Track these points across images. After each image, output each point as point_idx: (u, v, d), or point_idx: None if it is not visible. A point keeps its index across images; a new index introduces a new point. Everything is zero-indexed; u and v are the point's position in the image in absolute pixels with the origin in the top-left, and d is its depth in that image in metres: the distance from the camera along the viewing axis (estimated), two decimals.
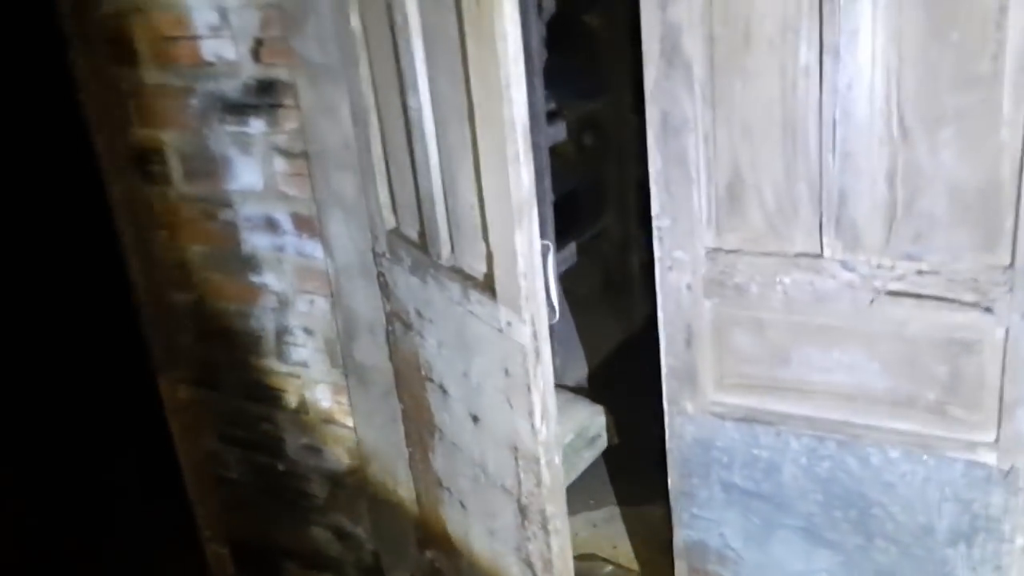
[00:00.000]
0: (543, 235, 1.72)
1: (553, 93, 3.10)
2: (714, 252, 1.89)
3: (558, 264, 3.20)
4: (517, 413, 1.82)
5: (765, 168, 1.78)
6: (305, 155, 2.37)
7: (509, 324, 1.75)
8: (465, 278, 1.89)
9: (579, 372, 3.44)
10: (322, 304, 2.55)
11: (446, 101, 1.78)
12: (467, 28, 1.59)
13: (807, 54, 1.67)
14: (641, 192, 3.73)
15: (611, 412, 3.35)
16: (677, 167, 1.85)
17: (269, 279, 2.61)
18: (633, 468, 3.29)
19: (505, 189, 1.63)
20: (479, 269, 1.85)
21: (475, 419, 2.03)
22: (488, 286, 1.81)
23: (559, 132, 3.04)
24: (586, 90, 3.38)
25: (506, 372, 1.82)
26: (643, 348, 3.88)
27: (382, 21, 1.93)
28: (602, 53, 3.33)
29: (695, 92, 1.78)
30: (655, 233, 1.93)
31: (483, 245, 1.80)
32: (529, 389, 1.75)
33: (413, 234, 2.12)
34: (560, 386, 3.34)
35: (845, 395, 1.85)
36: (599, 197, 3.60)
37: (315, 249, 2.48)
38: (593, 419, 3.16)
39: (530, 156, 1.62)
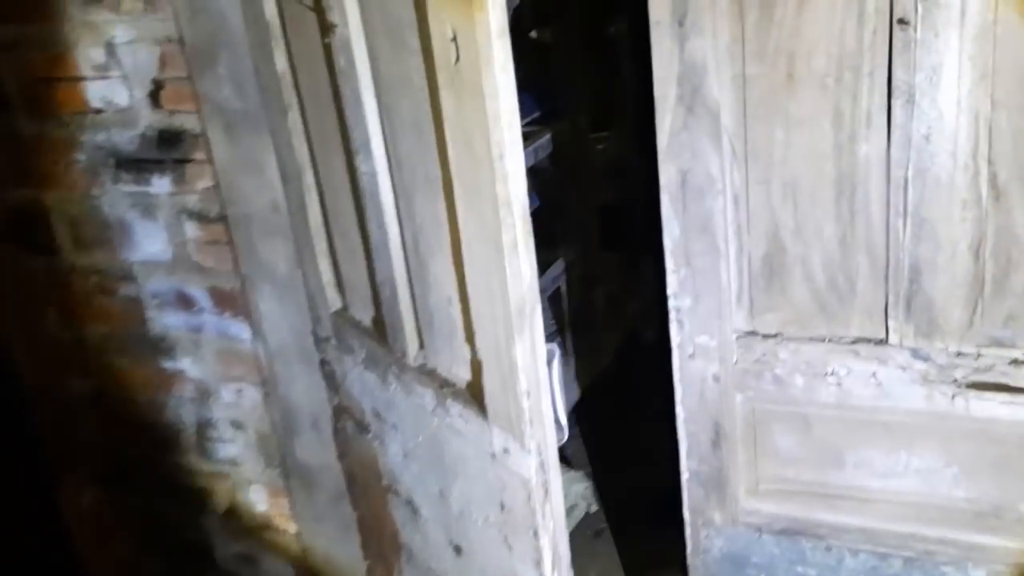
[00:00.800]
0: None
1: None
2: (747, 337, 1.53)
3: (546, 287, 2.83)
4: (518, 557, 1.44)
5: (813, 236, 1.43)
6: (223, 219, 1.94)
7: (506, 451, 1.36)
8: (441, 384, 1.50)
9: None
10: (252, 394, 2.12)
11: (410, 168, 1.38)
12: (441, 79, 1.20)
13: (871, 97, 1.32)
14: (603, 221, 3.40)
15: (587, 469, 3.01)
16: (700, 236, 1.48)
17: (185, 364, 2.17)
18: (617, 531, 2.94)
19: (499, 285, 1.24)
20: (460, 375, 1.46)
21: (457, 549, 1.64)
22: (474, 398, 1.42)
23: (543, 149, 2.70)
24: (541, 112, 3.01)
25: (502, 506, 1.43)
26: (615, 388, 3.54)
27: (318, 62, 1.52)
28: (558, 72, 2.96)
29: (723, 145, 1.42)
30: (672, 315, 1.56)
31: (466, 349, 1.41)
32: (536, 533, 1.37)
33: (367, 319, 1.72)
34: None
35: (914, 504, 1.52)
36: (558, 226, 3.23)
37: (241, 330, 2.05)
38: (570, 487, 2.80)
39: (531, 242, 1.24)
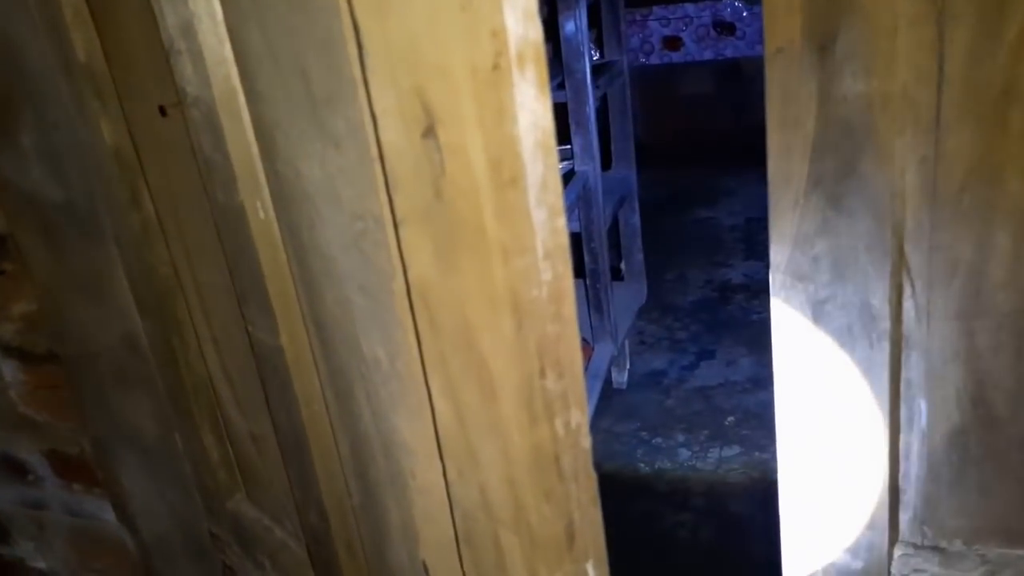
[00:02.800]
0: None
1: None
2: (916, 555, 0.94)
3: None
4: None
5: None
6: (55, 358, 1.28)
7: None
8: None
9: None
10: None
11: (345, 345, 0.75)
12: (402, 205, 0.57)
13: None
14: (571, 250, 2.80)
15: None
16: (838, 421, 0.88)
17: (26, 551, 1.50)
18: None
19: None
20: None
21: None
22: None
23: None
24: None
25: None
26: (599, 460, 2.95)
27: (173, 137, 0.87)
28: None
29: (890, 260, 0.82)
30: (788, 524, 0.96)
31: None
32: None
33: (284, 533, 1.08)
34: None
35: None
36: None
37: (101, 508, 1.40)
38: None
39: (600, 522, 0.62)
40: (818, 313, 0.85)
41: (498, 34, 0.46)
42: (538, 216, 0.50)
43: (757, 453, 2.87)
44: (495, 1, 0.45)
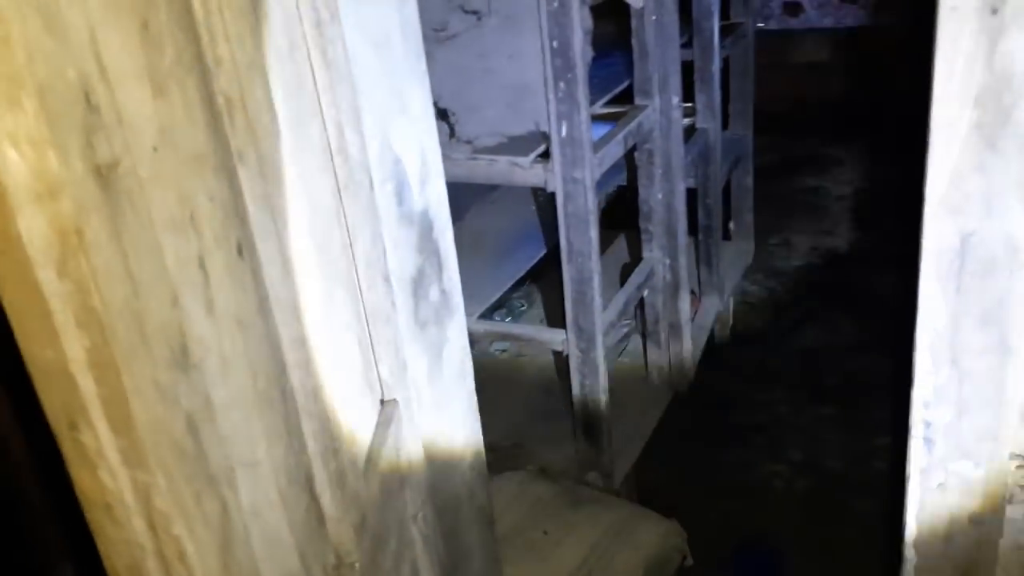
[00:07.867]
0: None
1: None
2: None
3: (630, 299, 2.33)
4: None
5: None
6: None
7: None
8: None
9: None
10: None
11: None
12: None
13: None
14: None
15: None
16: (980, 328, 1.00)
17: None
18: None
19: None
20: None
21: None
22: None
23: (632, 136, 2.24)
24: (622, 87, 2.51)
25: None
26: (700, 404, 3.08)
27: None
28: (644, 38, 2.44)
29: None
30: (917, 430, 1.08)
31: None
32: None
33: None
34: (601, 489, 2.51)
35: None
36: (636, 220, 2.75)
37: None
38: (666, 541, 2.34)
39: None
40: (966, 244, 0.96)
41: None
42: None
43: (854, 413, 2.95)
44: None
